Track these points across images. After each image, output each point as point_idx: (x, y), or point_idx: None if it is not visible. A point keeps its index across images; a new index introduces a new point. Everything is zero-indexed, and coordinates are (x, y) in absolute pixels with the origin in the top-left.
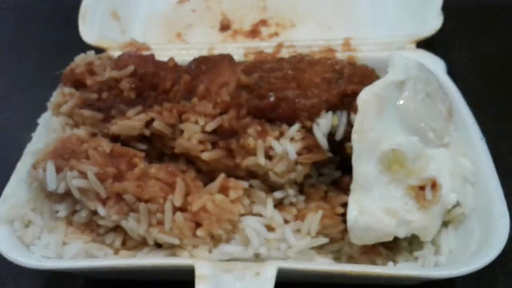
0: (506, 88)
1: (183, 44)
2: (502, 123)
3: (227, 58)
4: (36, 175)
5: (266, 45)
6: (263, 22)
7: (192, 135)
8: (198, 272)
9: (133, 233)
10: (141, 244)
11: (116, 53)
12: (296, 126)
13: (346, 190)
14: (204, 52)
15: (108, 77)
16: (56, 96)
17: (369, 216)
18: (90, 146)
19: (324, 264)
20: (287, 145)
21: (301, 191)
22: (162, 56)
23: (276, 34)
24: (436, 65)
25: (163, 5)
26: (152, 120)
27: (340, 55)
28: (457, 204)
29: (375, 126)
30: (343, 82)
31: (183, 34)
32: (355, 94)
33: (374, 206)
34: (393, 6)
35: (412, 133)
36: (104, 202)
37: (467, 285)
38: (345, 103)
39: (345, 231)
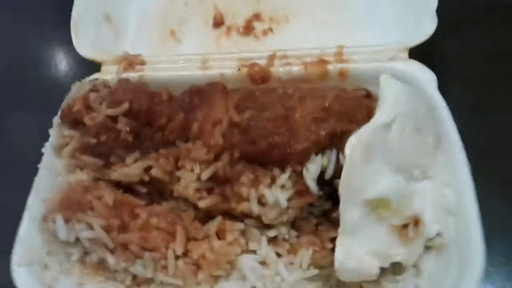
0: (500, 98)
1: (177, 56)
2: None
3: (219, 89)
4: (47, 228)
5: (259, 56)
6: (257, 17)
7: (188, 184)
8: None
9: (141, 276)
10: (150, 280)
11: (110, 69)
12: (286, 175)
13: (335, 224)
14: (198, 65)
15: (104, 115)
16: (57, 138)
17: (354, 261)
18: (94, 196)
19: None
20: (278, 194)
21: (293, 223)
22: (156, 70)
23: (270, 30)
24: (427, 79)
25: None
26: (150, 166)
27: (333, 68)
28: (438, 234)
29: (362, 173)
30: (332, 121)
31: (177, 31)
32: (343, 133)
33: (360, 249)
34: (388, 1)
35: (398, 172)
36: (112, 251)
37: None
38: (334, 141)
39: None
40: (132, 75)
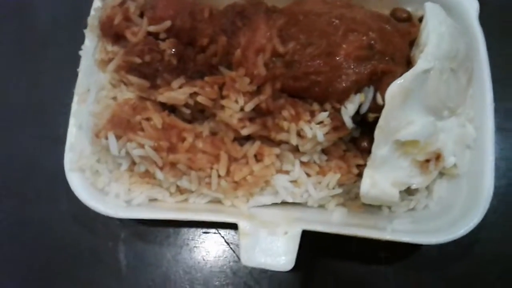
0: None
1: None
2: None
3: (262, 10)
4: (100, 143)
5: None
6: None
7: (232, 114)
8: (241, 229)
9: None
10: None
11: None
12: (326, 113)
13: (362, 152)
14: None
15: (145, 31)
16: (99, 52)
17: (378, 190)
18: (143, 117)
19: (337, 227)
20: (316, 130)
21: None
22: None
23: None
24: (469, 6)
25: None
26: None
27: None
28: (454, 165)
29: (397, 116)
30: (374, 60)
31: None
32: (383, 72)
33: (384, 179)
34: None
35: (429, 113)
36: (161, 168)
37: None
38: (373, 79)
39: (357, 180)
40: None
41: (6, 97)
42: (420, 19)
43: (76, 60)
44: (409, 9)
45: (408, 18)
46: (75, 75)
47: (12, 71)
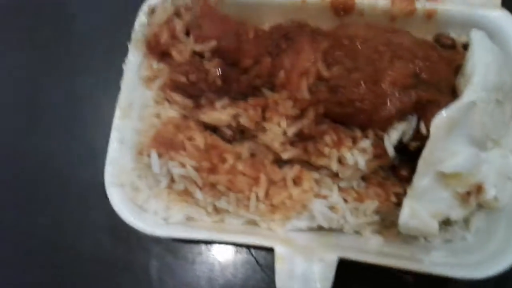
0: None
1: None
2: None
3: (307, 33)
4: (142, 160)
5: None
6: None
7: (274, 137)
8: (277, 253)
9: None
10: None
11: None
12: (369, 141)
13: (401, 180)
14: None
15: (191, 49)
16: (145, 69)
17: (418, 221)
18: (185, 136)
19: (373, 256)
20: (358, 157)
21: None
22: None
23: None
24: None
25: None
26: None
27: (421, 7)
28: (494, 197)
29: (441, 147)
30: (420, 89)
31: None
32: (429, 101)
33: (424, 210)
34: None
35: (473, 145)
36: (201, 188)
37: None
38: (417, 107)
39: (395, 208)
40: None
41: (40, 107)
42: (464, 46)
43: (113, 72)
44: (452, 34)
45: (453, 45)
46: (112, 86)
47: (47, 79)
